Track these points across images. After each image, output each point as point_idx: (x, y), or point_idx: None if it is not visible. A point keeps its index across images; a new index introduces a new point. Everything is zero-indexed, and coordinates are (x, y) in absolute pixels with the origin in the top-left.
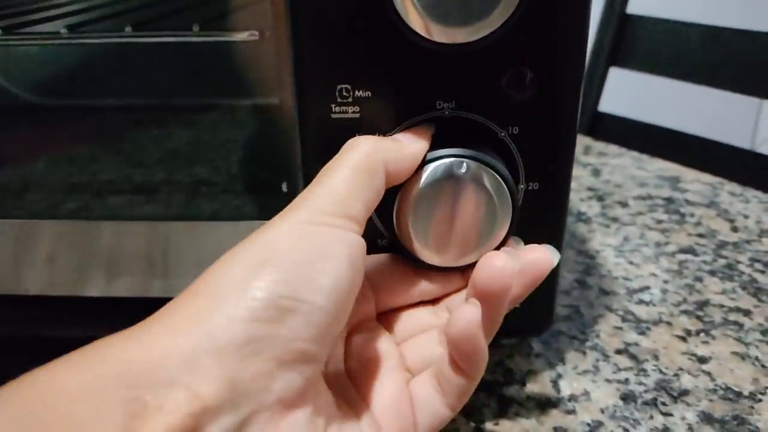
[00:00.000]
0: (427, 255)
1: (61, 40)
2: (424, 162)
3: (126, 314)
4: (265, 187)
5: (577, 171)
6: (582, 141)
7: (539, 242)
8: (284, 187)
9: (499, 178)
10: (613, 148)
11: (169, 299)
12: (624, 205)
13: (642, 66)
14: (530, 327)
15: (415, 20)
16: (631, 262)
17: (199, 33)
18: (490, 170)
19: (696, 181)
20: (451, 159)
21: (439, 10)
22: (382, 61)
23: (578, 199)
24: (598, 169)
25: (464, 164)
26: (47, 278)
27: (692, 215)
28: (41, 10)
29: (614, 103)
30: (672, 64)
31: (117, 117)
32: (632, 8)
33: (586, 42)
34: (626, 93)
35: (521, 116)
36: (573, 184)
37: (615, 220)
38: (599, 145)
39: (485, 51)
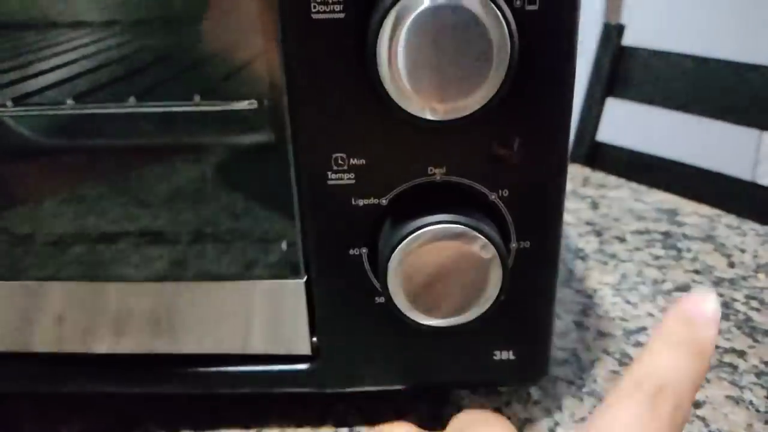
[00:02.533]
0: (418, 315)
1: (68, 111)
2: (416, 228)
3: (133, 370)
4: (266, 245)
5: (575, 204)
6: (580, 172)
7: (530, 299)
8: (283, 246)
9: (489, 242)
10: (611, 179)
11: (173, 356)
12: (622, 240)
13: (639, 96)
14: (527, 375)
15: (405, 100)
16: (628, 302)
17: (200, 102)
18: (479, 235)
19: (694, 214)
20: (441, 225)
21: (427, 91)
22: (375, 132)
23: (577, 234)
24: (596, 201)
25: (453, 230)
26: (56, 336)
27: (689, 250)
28: (43, 74)
29: (612, 133)
30: (668, 95)
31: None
32: (628, 40)
33: (570, 109)
34: (624, 123)
35: (510, 179)
36: (571, 218)
37: (613, 256)
38: (598, 176)
39: (474, 123)
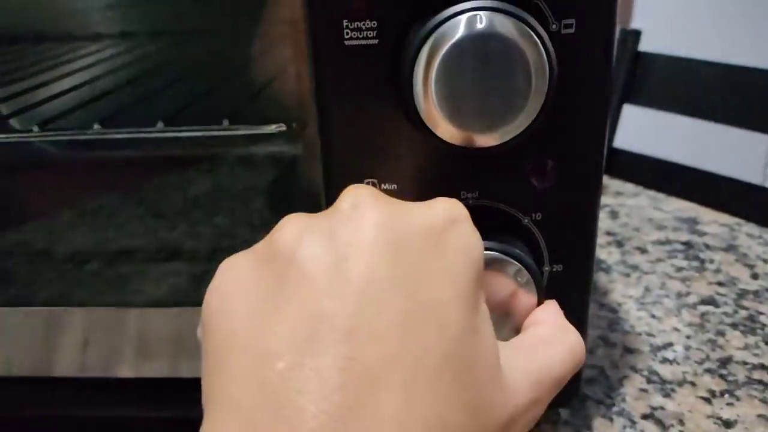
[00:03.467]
0: None
1: (94, 136)
2: None
3: (156, 394)
4: None
5: None
6: None
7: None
8: None
9: (522, 267)
10: (629, 187)
11: (197, 379)
12: (643, 251)
13: (655, 103)
14: (558, 398)
15: (440, 128)
16: (653, 316)
17: (228, 127)
18: (513, 261)
19: (713, 223)
20: None
21: (463, 119)
22: (407, 159)
23: (598, 245)
24: (615, 210)
25: (487, 257)
26: (79, 361)
27: (712, 261)
28: (66, 93)
29: (629, 139)
30: (684, 101)
31: (139, 168)
32: (644, 46)
33: (606, 132)
34: (640, 129)
35: (544, 202)
36: None
37: (635, 268)
38: (615, 184)
39: (508, 148)
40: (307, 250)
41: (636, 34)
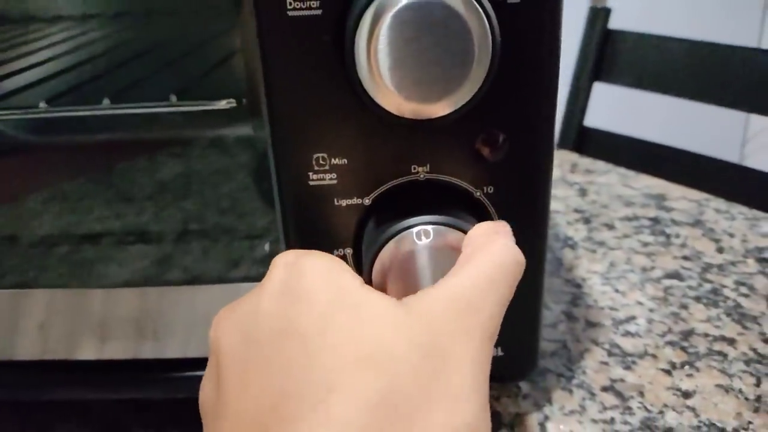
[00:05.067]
0: None
1: (41, 114)
2: (399, 230)
3: (117, 376)
4: (251, 243)
5: (564, 191)
6: (568, 157)
7: (519, 295)
8: (266, 247)
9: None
10: (599, 165)
11: (158, 360)
12: (610, 227)
13: (626, 80)
14: (515, 371)
15: (385, 99)
16: (617, 290)
17: (176, 103)
18: (464, 234)
19: (682, 198)
20: (420, 227)
21: (407, 90)
22: (356, 132)
23: (565, 222)
24: (584, 188)
25: (431, 232)
26: (40, 344)
27: (678, 236)
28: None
29: (599, 117)
30: (655, 79)
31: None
32: (614, 23)
33: (554, 105)
34: (611, 108)
35: (495, 176)
36: (560, 206)
37: (601, 244)
38: (586, 162)
39: (456, 120)
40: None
41: (606, 12)
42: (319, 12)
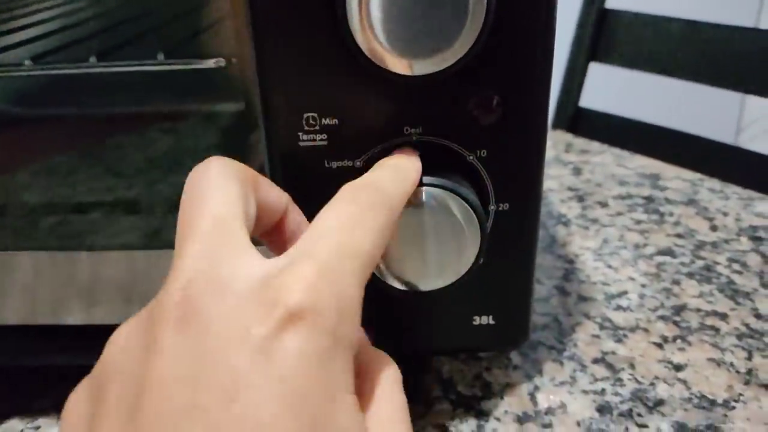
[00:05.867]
0: (396, 281)
1: (26, 72)
2: None
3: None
4: None
5: (558, 170)
6: (563, 138)
7: (511, 261)
8: None
9: (466, 205)
10: (594, 145)
11: None
12: (604, 205)
13: (622, 61)
14: (507, 340)
15: (377, 55)
16: (609, 266)
17: (164, 62)
18: (457, 197)
19: (676, 178)
20: (417, 188)
21: (400, 44)
22: (347, 91)
23: (559, 200)
24: (579, 167)
25: (426, 193)
26: (27, 308)
27: (671, 214)
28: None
29: (595, 98)
30: (652, 59)
31: (96, 125)
32: (611, 3)
33: (550, 67)
34: (607, 88)
35: (489, 139)
36: (554, 184)
37: (595, 221)
38: (581, 142)
39: (450, 78)
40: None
41: None
42: None
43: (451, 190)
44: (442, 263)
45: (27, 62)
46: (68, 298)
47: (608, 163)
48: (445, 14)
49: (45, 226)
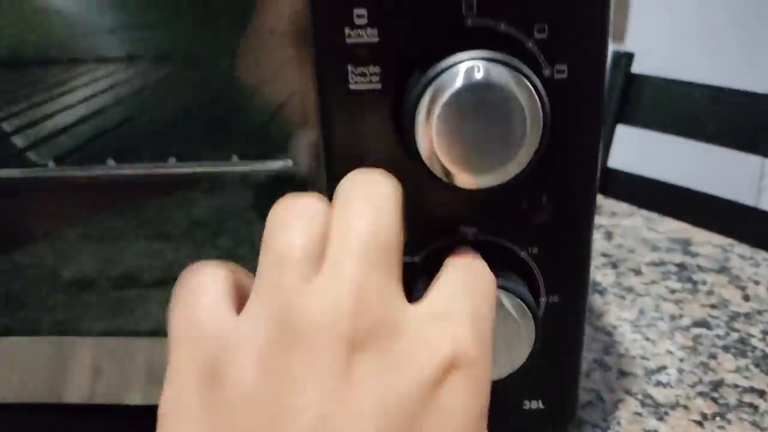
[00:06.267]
0: None
1: (110, 171)
2: None
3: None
4: None
5: None
6: None
7: (559, 350)
8: None
9: (520, 301)
10: (623, 207)
11: None
12: (638, 272)
13: (648, 123)
14: (555, 422)
15: (441, 170)
16: (647, 338)
17: (238, 162)
18: (511, 294)
19: (707, 244)
20: None
21: (463, 163)
22: (409, 195)
23: (594, 267)
24: (610, 231)
25: None
26: (89, 388)
27: (704, 283)
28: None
29: (623, 159)
30: (677, 123)
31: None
32: (637, 68)
33: (597, 171)
34: (634, 149)
35: (540, 237)
36: None
37: (630, 290)
38: (610, 203)
39: (505, 187)
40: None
41: (629, 57)
42: (379, 86)
43: (506, 288)
44: (499, 354)
45: (110, 161)
46: (129, 380)
47: (639, 226)
48: (504, 137)
49: (96, 296)
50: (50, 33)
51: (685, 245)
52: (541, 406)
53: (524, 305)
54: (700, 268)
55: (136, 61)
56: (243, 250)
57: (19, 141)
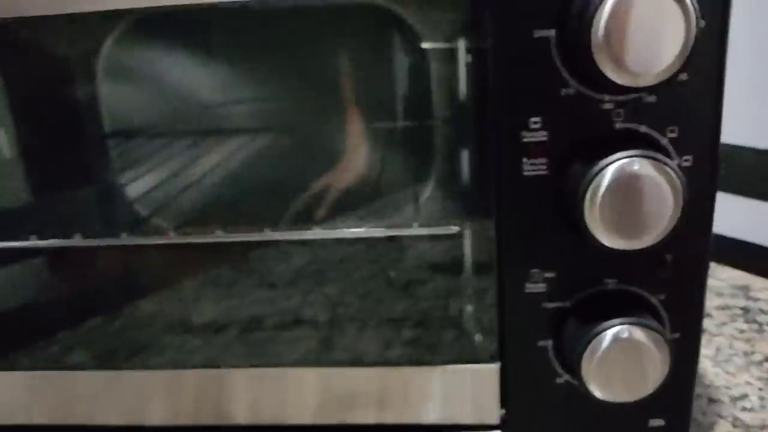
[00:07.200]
0: (603, 395)
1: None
2: (606, 328)
3: None
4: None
5: None
6: None
7: (679, 377)
8: (477, 337)
9: (662, 337)
10: None
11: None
12: (709, 316)
13: None
14: None
15: (604, 239)
16: (727, 372)
17: (415, 227)
18: (649, 329)
19: (765, 290)
20: (626, 326)
21: (621, 234)
22: (566, 255)
23: None
24: None
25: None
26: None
27: None
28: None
29: None
30: (727, 182)
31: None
32: None
33: (710, 238)
34: None
35: (665, 287)
36: None
37: (704, 331)
38: None
39: (643, 249)
40: None
41: None
42: (546, 172)
43: (650, 327)
44: (636, 383)
45: (266, 231)
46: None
47: None
48: (653, 215)
49: (229, 338)
50: (180, 109)
51: (745, 291)
52: (662, 423)
53: (662, 339)
54: (762, 312)
55: (261, 133)
56: (349, 298)
57: (141, 209)
